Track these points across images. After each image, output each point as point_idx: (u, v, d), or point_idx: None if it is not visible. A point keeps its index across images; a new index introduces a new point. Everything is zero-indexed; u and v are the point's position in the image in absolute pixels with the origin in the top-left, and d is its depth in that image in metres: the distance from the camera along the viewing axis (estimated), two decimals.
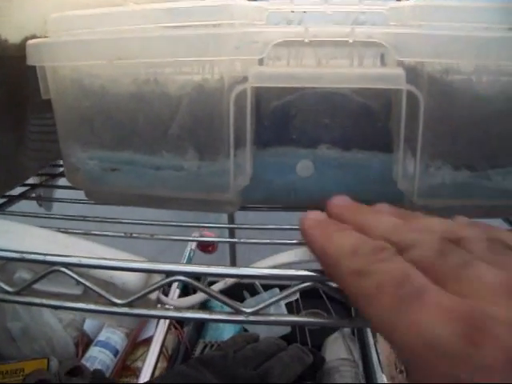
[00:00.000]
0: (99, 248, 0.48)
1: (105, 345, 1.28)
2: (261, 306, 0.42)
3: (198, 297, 0.47)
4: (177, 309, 0.44)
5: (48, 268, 0.44)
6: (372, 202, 0.51)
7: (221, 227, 0.62)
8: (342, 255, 0.37)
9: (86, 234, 0.55)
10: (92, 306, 0.44)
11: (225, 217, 1.42)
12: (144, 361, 1.18)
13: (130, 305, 0.43)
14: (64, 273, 0.44)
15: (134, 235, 0.54)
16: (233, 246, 1.75)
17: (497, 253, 0.34)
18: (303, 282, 0.41)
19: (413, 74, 0.46)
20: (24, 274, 0.48)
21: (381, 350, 1.24)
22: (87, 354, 1.26)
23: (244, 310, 0.42)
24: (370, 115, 0.51)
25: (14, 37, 0.56)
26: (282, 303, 1.34)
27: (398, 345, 0.31)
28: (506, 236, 0.37)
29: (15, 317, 1.20)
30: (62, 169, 0.79)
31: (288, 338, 1.18)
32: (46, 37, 0.55)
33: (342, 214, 0.44)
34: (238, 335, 1.10)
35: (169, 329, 1.28)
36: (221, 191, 0.51)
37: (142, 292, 0.43)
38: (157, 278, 0.46)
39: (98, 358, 1.24)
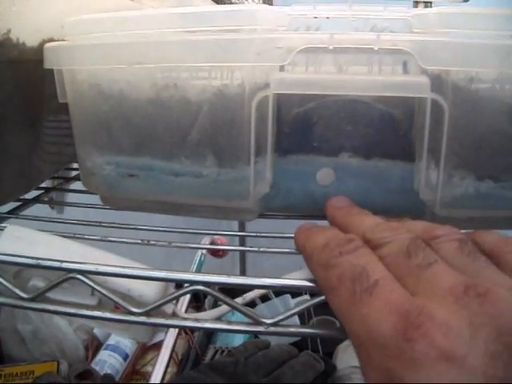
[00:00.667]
0: (115, 258, 0.48)
1: (115, 349, 1.27)
2: (280, 317, 0.41)
3: (220, 310, 0.46)
4: (196, 319, 0.44)
5: (64, 275, 0.44)
6: (393, 211, 0.50)
7: (230, 235, 0.61)
8: (315, 249, 0.39)
9: (103, 241, 0.55)
10: (108, 315, 0.44)
11: (235, 224, 1.41)
12: (154, 365, 1.18)
13: (147, 314, 0.43)
14: (80, 280, 0.44)
15: (152, 242, 0.54)
16: (243, 252, 1.74)
17: (465, 255, 0.36)
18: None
19: (437, 82, 0.45)
20: (38, 282, 0.48)
21: None
22: (97, 358, 1.26)
23: (264, 321, 0.41)
24: (393, 124, 0.51)
25: (31, 40, 0.56)
26: None
27: (351, 337, 0.33)
28: (485, 239, 0.39)
29: (26, 319, 1.21)
30: (76, 172, 0.79)
31: (299, 345, 1.17)
32: (63, 40, 0.55)
33: (333, 216, 0.46)
34: (249, 341, 1.10)
35: (179, 334, 1.27)
36: (240, 199, 0.50)
37: (161, 301, 0.42)
38: (173, 290, 0.46)
39: (107, 361, 1.24)
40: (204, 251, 1.46)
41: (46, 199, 0.74)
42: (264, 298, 1.37)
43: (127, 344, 1.29)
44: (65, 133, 0.69)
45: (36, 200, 0.69)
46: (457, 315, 0.29)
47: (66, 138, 0.69)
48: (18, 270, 0.48)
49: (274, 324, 0.41)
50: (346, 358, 1.20)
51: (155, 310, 0.43)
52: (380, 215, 0.45)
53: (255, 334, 1.34)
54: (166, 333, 1.25)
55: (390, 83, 0.45)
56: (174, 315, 0.45)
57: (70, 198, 0.86)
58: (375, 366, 0.31)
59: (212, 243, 1.37)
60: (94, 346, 1.31)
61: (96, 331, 1.33)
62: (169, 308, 0.46)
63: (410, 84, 0.45)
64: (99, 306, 0.47)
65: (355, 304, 0.33)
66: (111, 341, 1.29)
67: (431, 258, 0.34)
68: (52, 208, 0.89)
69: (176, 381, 0.91)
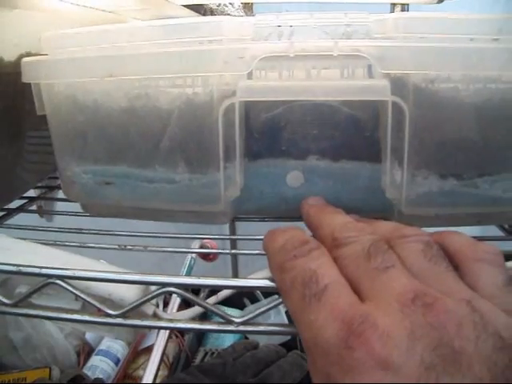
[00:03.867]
0: (96, 263, 0.49)
1: (106, 354, 1.29)
2: (250, 315, 0.43)
3: (194, 310, 0.48)
4: (170, 319, 0.45)
5: (44, 281, 0.45)
6: (362, 211, 0.52)
7: (220, 239, 0.62)
8: (273, 251, 0.40)
9: (82, 247, 0.56)
10: (87, 317, 0.45)
11: (226, 228, 1.42)
12: (145, 369, 1.19)
13: (124, 316, 0.44)
14: (59, 285, 0.45)
15: (129, 247, 0.55)
16: (234, 254, 1.75)
17: (427, 259, 0.36)
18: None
19: (398, 84, 0.46)
20: (23, 289, 0.49)
21: None
22: (88, 363, 1.27)
23: (233, 319, 0.42)
24: (358, 126, 0.52)
25: (9, 54, 0.57)
26: (283, 311, 1.34)
27: (302, 340, 0.34)
28: (451, 240, 0.40)
29: (17, 327, 1.22)
30: (59, 181, 0.81)
31: (288, 345, 1.18)
32: (40, 54, 0.56)
33: (307, 214, 0.47)
34: (237, 343, 1.11)
35: (169, 337, 1.28)
36: (212, 203, 0.52)
37: (135, 303, 0.44)
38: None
39: (99, 366, 1.25)
40: (194, 255, 1.47)
41: (34, 208, 0.75)
42: (253, 300, 1.39)
43: (118, 349, 1.30)
44: (47, 142, 0.71)
45: (20, 209, 0.71)
46: (399, 325, 0.30)
47: (48, 147, 0.71)
48: (5, 278, 0.50)
49: (244, 323, 0.42)
50: None
51: (134, 312, 0.44)
52: (353, 215, 0.46)
53: (245, 336, 1.35)
54: (157, 336, 1.27)
55: (352, 87, 0.46)
56: (154, 316, 0.47)
57: (58, 206, 0.87)
58: (318, 370, 0.32)
59: (202, 247, 1.39)
60: (86, 351, 1.32)
61: (87, 337, 1.34)
62: (149, 310, 0.47)
63: (370, 88, 0.46)
64: (81, 310, 0.48)
65: (304, 309, 0.34)
66: (102, 346, 1.30)
67: (389, 262, 0.35)
68: (41, 216, 0.90)
69: (166, 383, 0.92)
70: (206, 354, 1.31)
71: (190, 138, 0.50)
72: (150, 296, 0.43)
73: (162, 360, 1.21)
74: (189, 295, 0.43)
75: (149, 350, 1.32)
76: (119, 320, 0.44)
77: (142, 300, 0.44)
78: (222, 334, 1.36)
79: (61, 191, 0.76)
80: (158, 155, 0.51)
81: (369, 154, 0.53)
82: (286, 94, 0.47)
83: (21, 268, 0.46)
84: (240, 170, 0.51)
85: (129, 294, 0.46)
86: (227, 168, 0.50)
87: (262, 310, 0.43)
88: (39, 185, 0.81)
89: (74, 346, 1.30)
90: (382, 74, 0.47)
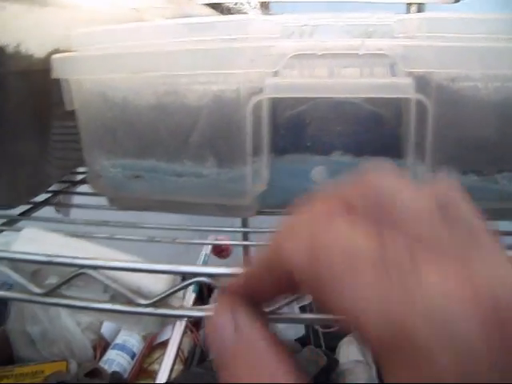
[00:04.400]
0: (125, 255, 0.51)
1: (122, 348, 1.30)
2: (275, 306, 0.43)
3: None
4: (200, 309, 0.46)
5: (76, 271, 0.46)
6: None
7: (233, 231, 0.62)
8: None
9: (110, 239, 0.57)
10: (118, 307, 0.46)
11: (238, 222, 1.43)
12: (160, 364, 1.20)
13: (154, 305, 0.45)
14: (92, 275, 0.46)
15: (157, 239, 0.56)
16: (246, 249, 1.76)
17: (447, 226, 0.30)
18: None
19: (422, 82, 0.48)
20: (54, 280, 0.49)
21: None
22: (105, 357, 1.28)
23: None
24: (381, 122, 0.53)
25: (39, 52, 0.59)
26: (296, 306, 1.35)
27: None
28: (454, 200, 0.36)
29: (35, 321, 1.23)
30: (82, 176, 0.82)
31: (302, 340, 1.19)
32: (68, 51, 0.58)
33: None
34: None
35: (185, 332, 1.30)
36: (239, 197, 0.53)
37: (167, 292, 0.45)
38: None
39: (115, 360, 1.26)
40: (208, 251, 1.48)
41: (54, 202, 0.76)
42: None
43: (134, 343, 1.31)
44: (71, 139, 0.72)
45: (46, 203, 0.72)
46: None
47: (72, 143, 0.72)
48: (36, 269, 0.51)
49: (269, 313, 0.43)
50: (349, 352, 1.22)
51: (162, 302, 0.45)
52: None
53: None
54: (173, 331, 1.28)
55: (376, 85, 0.48)
56: (181, 307, 0.48)
57: (76, 200, 0.88)
58: None
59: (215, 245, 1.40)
60: (102, 345, 1.33)
61: (103, 331, 1.35)
62: (176, 301, 0.48)
63: (394, 85, 0.48)
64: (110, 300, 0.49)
65: None
66: (118, 340, 1.31)
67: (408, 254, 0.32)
68: (58, 211, 0.91)
69: (183, 377, 0.92)
70: None
71: (218, 134, 0.51)
72: (182, 285, 0.45)
73: (177, 354, 1.22)
74: (220, 285, 0.44)
75: (164, 344, 1.33)
76: (149, 309, 0.45)
77: (175, 289, 0.45)
78: None
79: (81, 186, 0.77)
80: (186, 150, 0.53)
81: (391, 149, 0.54)
82: (313, 91, 0.48)
83: (52, 258, 0.47)
84: (267, 165, 0.52)
85: (157, 285, 0.47)
86: (254, 163, 0.52)
87: (288, 300, 0.43)
88: (61, 180, 0.82)
89: (90, 340, 1.31)
90: (405, 73, 0.48)
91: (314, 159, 0.55)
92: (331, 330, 1.31)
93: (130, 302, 0.46)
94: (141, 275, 0.48)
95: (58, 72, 0.56)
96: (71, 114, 0.59)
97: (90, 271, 0.46)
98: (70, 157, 0.75)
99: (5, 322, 1.31)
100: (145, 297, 0.46)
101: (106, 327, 1.37)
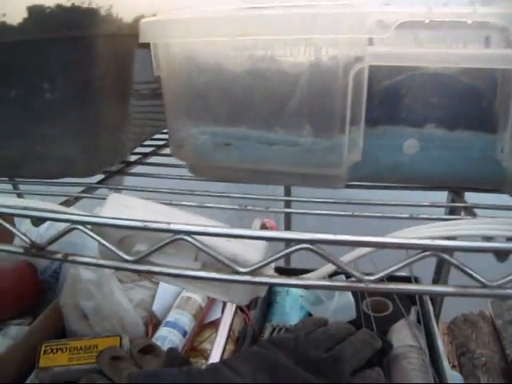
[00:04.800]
0: (215, 222, 0.50)
1: (173, 325, 1.29)
2: (381, 274, 0.43)
3: (325, 269, 0.47)
4: (299, 277, 0.46)
5: (171, 237, 0.46)
6: (474, 180, 0.52)
7: (276, 199, 0.61)
8: None
9: (200, 207, 0.57)
10: (214, 275, 0.46)
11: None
12: (212, 343, 1.20)
13: (252, 273, 0.44)
14: (188, 241, 0.45)
15: (249, 207, 0.55)
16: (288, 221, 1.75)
17: None
18: (424, 251, 0.42)
19: None
20: (142, 248, 0.49)
21: None
22: (157, 334, 1.27)
23: (364, 277, 0.43)
24: (476, 96, 0.52)
25: (127, 16, 0.59)
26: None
27: None
28: None
29: (88, 296, 1.23)
30: (151, 148, 0.82)
31: (354, 324, 1.19)
32: (153, 16, 0.58)
33: None
34: (307, 319, 1.11)
35: (236, 312, 1.30)
36: (333, 167, 0.53)
37: (268, 260, 0.44)
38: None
39: (167, 337, 1.25)
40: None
41: (128, 172, 0.76)
42: None
43: (185, 321, 1.31)
44: (148, 109, 0.72)
45: (120, 172, 0.72)
46: None
47: (149, 114, 0.72)
48: (122, 236, 0.50)
49: (374, 281, 0.43)
50: (401, 337, 1.21)
51: (258, 271, 0.45)
52: (461, 186, 0.47)
53: (309, 313, 1.36)
54: (224, 311, 1.28)
55: (478, 56, 0.47)
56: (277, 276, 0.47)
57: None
58: None
59: (262, 226, 1.39)
60: (153, 322, 1.33)
61: (154, 308, 1.35)
62: (269, 271, 0.47)
63: (496, 56, 0.47)
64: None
65: None
66: (170, 318, 1.31)
67: None
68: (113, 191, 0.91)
69: (243, 355, 0.92)
70: (273, 329, 1.30)
71: (316, 102, 0.51)
72: (285, 252, 0.44)
73: (229, 334, 1.22)
74: (324, 253, 0.43)
75: (214, 324, 1.33)
76: (248, 277, 0.45)
77: (277, 256, 0.44)
78: (288, 311, 1.36)
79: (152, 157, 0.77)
80: (281, 118, 0.52)
81: (485, 124, 0.53)
82: (415, 60, 0.48)
83: (147, 224, 0.46)
84: (362, 136, 0.52)
85: (254, 254, 0.47)
86: (351, 132, 0.51)
87: (395, 267, 0.43)
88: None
89: (141, 316, 1.31)
90: (503, 45, 0.47)
91: (407, 131, 0.54)
92: (383, 314, 1.31)
93: (221, 271, 0.46)
94: (235, 244, 0.47)
95: (146, 36, 0.56)
96: (149, 86, 0.59)
97: (187, 237, 0.46)
98: (143, 129, 0.75)
99: (56, 296, 1.32)
100: (241, 265, 0.46)
101: (157, 305, 1.37)
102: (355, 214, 0.53)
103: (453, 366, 1.30)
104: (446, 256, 0.42)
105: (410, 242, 0.42)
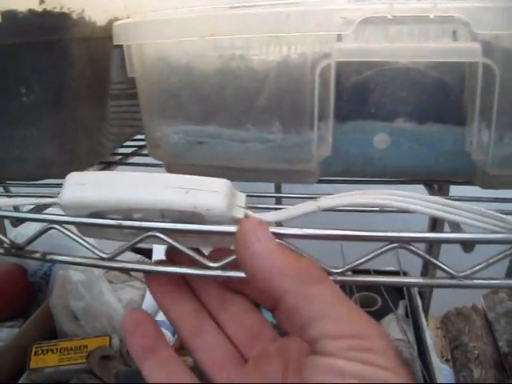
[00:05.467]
0: None
1: (162, 324, 1.27)
2: (346, 267, 0.44)
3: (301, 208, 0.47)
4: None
5: (144, 234, 0.47)
6: (445, 173, 0.53)
7: (267, 196, 0.61)
8: None
9: None
10: (185, 270, 0.46)
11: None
12: None
13: (222, 268, 0.45)
14: (160, 238, 0.46)
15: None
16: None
17: None
18: (390, 243, 0.43)
19: (487, 48, 0.47)
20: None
21: None
22: None
23: (332, 270, 0.44)
24: (445, 89, 0.53)
25: (100, 19, 0.60)
26: None
27: None
28: None
29: (78, 297, 1.24)
30: (133, 149, 0.82)
31: None
32: (127, 18, 0.59)
33: None
34: None
35: None
36: (303, 162, 0.54)
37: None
38: (240, 197, 0.47)
39: None
40: None
41: None
42: None
43: None
44: (127, 109, 0.73)
45: None
46: None
47: (127, 114, 0.73)
48: (94, 211, 0.48)
49: (341, 273, 0.44)
50: (390, 331, 1.22)
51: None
52: (432, 179, 0.47)
53: None
54: None
55: (444, 50, 0.48)
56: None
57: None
58: None
59: None
60: None
61: (144, 307, 1.36)
62: (240, 213, 0.46)
63: (462, 50, 0.48)
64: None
65: None
66: (159, 317, 1.32)
67: None
68: None
69: None
70: None
71: (285, 98, 0.52)
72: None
73: None
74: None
75: None
76: (218, 272, 0.45)
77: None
78: None
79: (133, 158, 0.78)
80: (251, 115, 0.53)
81: (454, 116, 0.54)
82: (382, 55, 0.48)
83: (121, 222, 0.47)
84: (332, 131, 0.53)
85: (214, 201, 0.44)
86: (319, 128, 0.52)
87: (360, 261, 0.44)
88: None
89: None
90: (470, 38, 0.48)
91: (376, 126, 0.54)
92: (372, 308, 1.31)
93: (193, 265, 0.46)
94: (195, 196, 0.44)
95: (120, 38, 0.56)
96: (127, 87, 0.60)
97: (158, 234, 0.46)
98: (124, 128, 0.76)
99: (46, 298, 1.33)
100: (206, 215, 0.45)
101: (147, 304, 1.38)
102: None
103: (446, 360, 1.30)
104: (412, 247, 0.43)
105: (378, 235, 0.43)
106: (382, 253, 0.43)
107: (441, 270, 0.44)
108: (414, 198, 0.43)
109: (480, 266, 0.42)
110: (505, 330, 1.26)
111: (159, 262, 0.49)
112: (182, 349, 1.30)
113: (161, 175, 0.47)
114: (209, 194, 0.45)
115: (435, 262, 0.43)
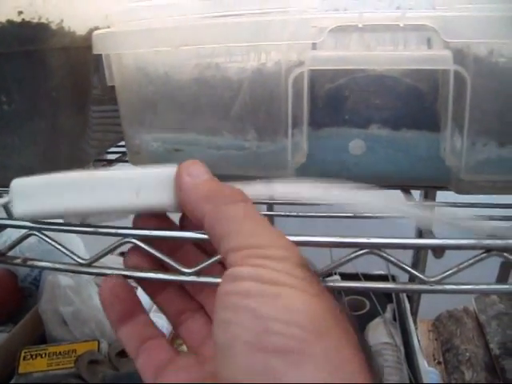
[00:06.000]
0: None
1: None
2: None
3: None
4: None
5: (120, 240, 0.48)
6: (420, 178, 0.54)
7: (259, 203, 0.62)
8: None
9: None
10: (161, 276, 0.47)
11: None
12: None
13: (197, 273, 0.46)
14: (135, 244, 0.47)
15: None
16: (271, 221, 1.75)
17: None
18: (361, 249, 0.44)
19: (459, 56, 0.48)
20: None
21: (419, 340, 1.26)
22: None
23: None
24: (418, 96, 0.54)
25: (80, 29, 0.60)
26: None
27: None
28: None
29: (67, 301, 1.25)
30: (116, 156, 0.83)
31: None
32: (108, 28, 0.59)
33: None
34: None
35: None
36: (279, 169, 0.54)
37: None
38: None
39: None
40: None
41: None
42: None
43: (164, 324, 1.31)
44: (108, 116, 0.74)
45: None
46: None
47: (109, 120, 0.74)
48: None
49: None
50: (377, 335, 1.22)
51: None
52: (408, 184, 0.48)
53: None
54: None
55: (416, 57, 0.49)
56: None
57: None
58: None
59: None
60: None
61: None
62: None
63: (434, 57, 0.48)
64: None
65: None
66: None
67: None
68: None
69: None
70: None
71: (259, 107, 0.52)
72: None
73: None
74: None
75: None
76: (193, 277, 0.46)
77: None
78: None
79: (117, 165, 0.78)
80: (227, 123, 0.54)
81: (428, 123, 0.54)
82: (355, 63, 0.49)
83: (98, 229, 0.48)
84: (306, 138, 0.53)
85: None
86: (294, 135, 0.52)
87: (332, 265, 0.44)
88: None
89: None
90: (443, 46, 0.48)
91: (352, 132, 0.55)
92: (360, 312, 1.32)
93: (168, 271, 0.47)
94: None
95: (98, 48, 0.57)
96: (108, 94, 0.61)
97: (134, 240, 0.47)
98: (106, 135, 0.77)
99: (36, 303, 1.33)
100: None
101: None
102: (330, 214, 0.54)
103: (438, 363, 1.31)
104: (382, 253, 0.44)
105: (348, 241, 0.44)
106: (352, 258, 0.44)
107: (411, 275, 0.44)
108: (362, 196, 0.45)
109: (450, 271, 0.43)
110: (496, 333, 1.27)
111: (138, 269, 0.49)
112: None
113: (107, 174, 0.46)
114: (159, 192, 0.45)
115: (406, 267, 0.44)
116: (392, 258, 0.44)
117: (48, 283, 1.27)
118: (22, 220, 0.48)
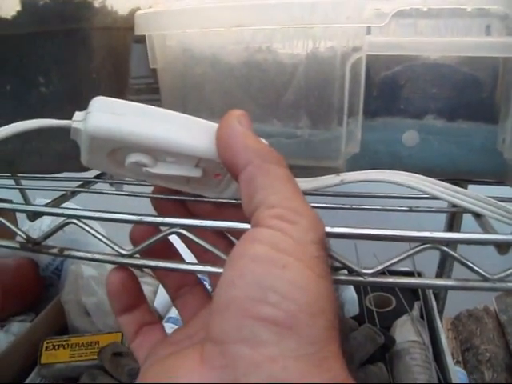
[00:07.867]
0: None
1: (176, 321, 1.29)
2: (379, 268, 0.42)
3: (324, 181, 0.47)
4: None
5: (167, 230, 0.45)
6: (475, 171, 0.51)
7: None
8: None
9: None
10: (198, 267, 0.46)
11: None
12: None
13: None
14: (183, 234, 0.45)
15: None
16: None
17: None
18: (423, 244, 0.42)
19: None
20: (137, 158, 0.44)
21: None
22: None
23: (364, 271, 0.42)
24: (476, 86, 0.52)
25: (122, 8, 0.58)
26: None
27: None
28: None
29: (90, 292, 1.23)
30: None
31: (357, 319, 1.19)
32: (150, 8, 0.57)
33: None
34: None
35: None
36: (331, 159, 0.52)
37: None
38: None
39: (169, 333, 1.25)
40: None
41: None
42: None
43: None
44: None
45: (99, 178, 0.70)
46: None
47: None
48: (114, 148, 0.44)
49: (373, 274, 0.42)
50: (404, 332, 1.21)
51: None
52: (462, 178, 0.46)
53: None
54: None
55: (478, 44, 0.46)
56: None
57: None
58: None
59: None
60: None
61: (156, 304, 1.35)
62: None
63: (497, 44, 0.46)
64: (203, 179, 0.46)
65: None
66: (172, 314, 1.30)
67: None
68: (111, 185, 0.91)
69: None
70: None
71: (313, 93, 0.50)
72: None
73: None
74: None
75: None
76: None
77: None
78: None
79: None
80: (278, 109, 0.52)
81: (485, 114, 0.52)
82: (414, 49, 0.47)
83: (142, 217, 0.46)
84: (361, 127, 0.51)
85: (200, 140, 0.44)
86: (349, 124, 0.50)
87: (393, 261, 0.42)
88: None
89: None
90: (506, 33, 0.46)
91: (405, 123, 0.53)
92: (386, 309, 1.30)
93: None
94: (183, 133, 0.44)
95: (141, 28, 0.55)
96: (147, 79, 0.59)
97: (182, 230, 0.45)
98: None
99: (58, 293, 1.32)
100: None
101: (159, 301, 1.37)
102: (353, 206, 0.52)
103: (457, 362, 1.29)
104: (445, 249, 0.42)
105: (410, 235, 0.42)
106: (414, 253, 0.42)
107: (474, 272, 0.42)
108: (430, 183, 0.45)
109: None
110: None
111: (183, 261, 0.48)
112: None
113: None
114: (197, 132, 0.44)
115: (470, 264, 0.42)
116: (456, 255, 0.42)
117: (71, 273, 1.26)
118: (93, 134, 0.43)
